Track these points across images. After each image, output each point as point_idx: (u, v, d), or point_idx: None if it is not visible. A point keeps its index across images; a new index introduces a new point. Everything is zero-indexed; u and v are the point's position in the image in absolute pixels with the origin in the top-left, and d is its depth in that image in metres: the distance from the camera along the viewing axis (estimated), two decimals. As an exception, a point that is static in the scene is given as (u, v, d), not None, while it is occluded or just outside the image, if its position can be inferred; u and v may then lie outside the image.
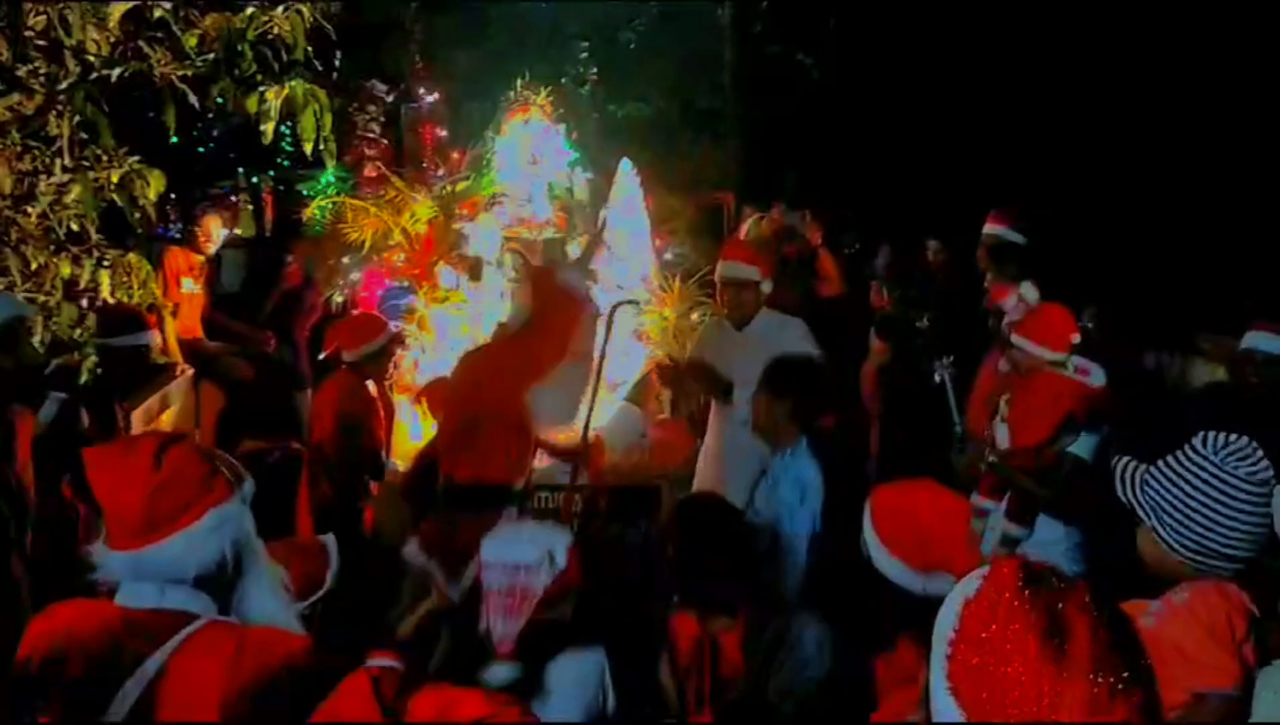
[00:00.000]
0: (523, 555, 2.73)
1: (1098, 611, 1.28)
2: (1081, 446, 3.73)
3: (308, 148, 3.95)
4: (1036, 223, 5.34)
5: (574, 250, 5.55)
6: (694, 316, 5.67)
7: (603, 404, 5.27)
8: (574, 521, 4.74)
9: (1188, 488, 2.36)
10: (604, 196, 5.94)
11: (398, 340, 5.21)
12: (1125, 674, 1.23)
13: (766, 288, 4.82)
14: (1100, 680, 1.22)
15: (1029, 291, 4.73)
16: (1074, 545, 3.74)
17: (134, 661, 1.96)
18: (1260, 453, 2.33)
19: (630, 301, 5.28)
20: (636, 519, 5.00)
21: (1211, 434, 2.35)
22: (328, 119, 3.95)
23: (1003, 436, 3.87)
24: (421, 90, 6.59)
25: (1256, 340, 4.28)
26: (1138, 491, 2.44)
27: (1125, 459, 2.52)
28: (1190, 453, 2.37)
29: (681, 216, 6.91)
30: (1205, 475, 2.34)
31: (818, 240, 6.49)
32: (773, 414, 3.92)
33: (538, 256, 5.71)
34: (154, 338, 4.57)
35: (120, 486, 2.00)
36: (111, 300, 4.00)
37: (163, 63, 3.95)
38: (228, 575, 2.05)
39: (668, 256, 6.25)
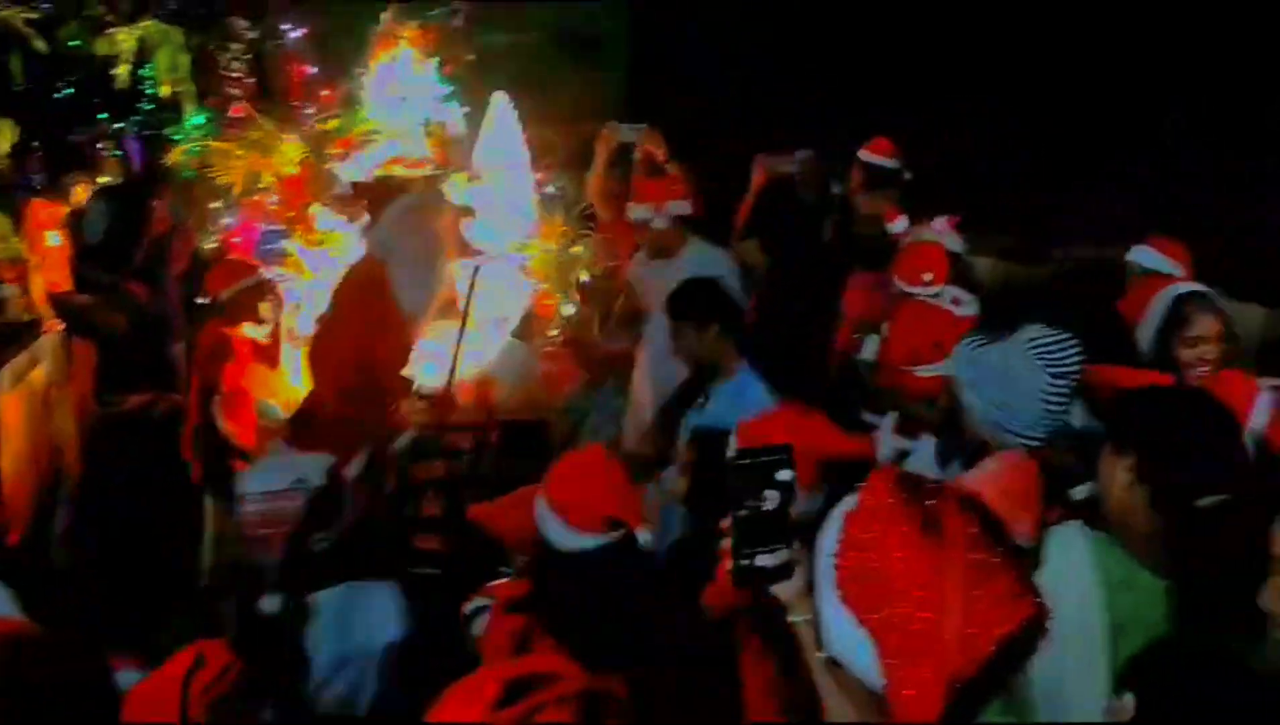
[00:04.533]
0: (270, 483, 2.72)
1: (964, 503, 1.42)
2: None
3: (164, 90, 3.82)
4: (919, 153, 5.41)
5: (450, 187, 5.49)
6: (575, 250, 5.67)
7: (490, 341, 5.30)
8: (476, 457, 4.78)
9: (992, 369, 2.55)
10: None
11: (267, 284, 5.07)
12: (999, 549, 1.37)
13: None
14: (976, 555, 1.35)
15: (939, 225, 4.72)
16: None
17: None
18: (1072, 350, 2.51)
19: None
20: (529, 452, 5.03)
21: (1035, 326, 2.55)
22: (184, 59, 3.83)
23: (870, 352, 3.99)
24: (286, 26, 6.35)
25: (1138, 254, 4.31)
26: (963, 366, 2.62)
27: (969, 339, 2.68)
28: (1009, 340, 2.54)
29: (561, 149, 6.81)
30: (1008, 360, 2.55)
31: (663, 156, 5.27)
32: (705, 343, 3.79)
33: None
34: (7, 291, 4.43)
35: None
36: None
37: (3, 6, 3.77)
38: None
39: (549, 190, 6.17)
